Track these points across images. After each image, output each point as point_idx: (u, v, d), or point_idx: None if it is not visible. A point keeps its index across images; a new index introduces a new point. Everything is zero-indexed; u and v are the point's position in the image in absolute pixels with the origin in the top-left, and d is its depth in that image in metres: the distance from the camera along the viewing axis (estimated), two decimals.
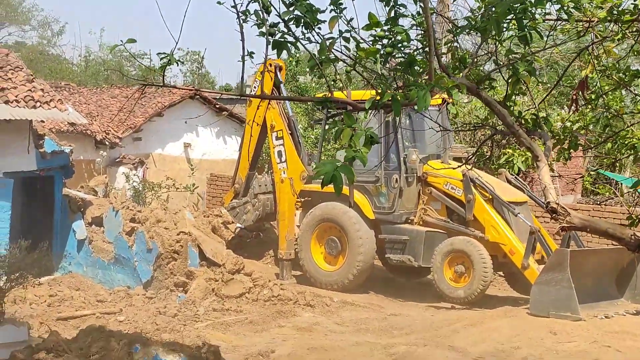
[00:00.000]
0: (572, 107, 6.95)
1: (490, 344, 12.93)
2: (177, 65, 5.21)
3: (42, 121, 17.60)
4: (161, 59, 5.03)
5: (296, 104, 27.69)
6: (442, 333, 13.69)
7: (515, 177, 17.70)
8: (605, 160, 11.58)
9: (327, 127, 18.42)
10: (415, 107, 5.19)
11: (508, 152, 8.39)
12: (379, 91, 5.37)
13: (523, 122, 6.34)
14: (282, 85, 18.75)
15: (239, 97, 5.39)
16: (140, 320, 13.63)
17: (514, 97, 6.29)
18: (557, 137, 7.27)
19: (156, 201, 22.79)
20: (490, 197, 16.51)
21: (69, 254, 16.98)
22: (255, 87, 19.02)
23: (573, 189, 25.40)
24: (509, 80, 6.13)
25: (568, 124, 8.31)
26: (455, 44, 6.35)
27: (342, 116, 5.15)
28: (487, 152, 11.17)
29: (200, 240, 16.35)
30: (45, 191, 17.17)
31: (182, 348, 6.53)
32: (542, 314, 14.33)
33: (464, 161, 16.30)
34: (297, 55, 30.28)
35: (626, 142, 8.04)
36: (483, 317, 14.79)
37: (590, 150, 9.16)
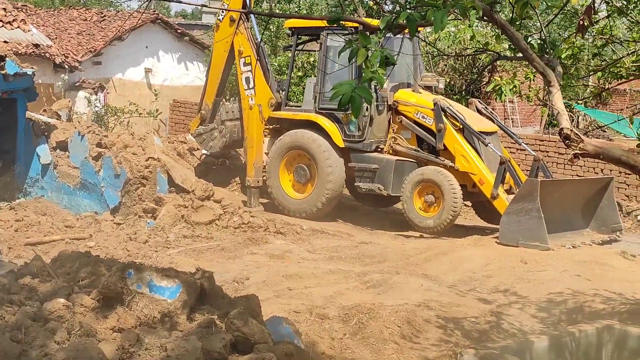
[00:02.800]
0: (579, 34, 6.83)
1: (462, 272, 13.01)
2: None
3: (5, 42, 17.08)
4: None
5: (260, 30, 27.27)
6: (414, 261, 13.74)
7: (485, 107, 17.68)
8: (593, 89, 11.53)
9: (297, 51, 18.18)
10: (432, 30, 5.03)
11: (496, 79, 8.25)
12: (389, 12, 5.21)
13: (529, 47, 6.21)
14: (249, 6, 18.34)
15: (243, 11, 5.17)
16: (111, 247, 13.46)
17: (519, 21, 6.16)
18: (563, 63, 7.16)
19: (119, 126, 22.42)
20: (461, 126, 16.45)
21: (33, 178, 16.63)
22: (223, 12, 18.64)
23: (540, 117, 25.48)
24: (516, 3, 5.98)
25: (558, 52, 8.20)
26: None
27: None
28: (484, 79, 11.05)
29: (170, 167, 16.13)
30: (8, 114, 16.74)
31: (176, 274, 6.41)
32: (511, 244, 14.47)
33: (436, 89, 16.27)
34: None
35: (616, 71, 7.97)
36: (453, 246, 14.87)
37: (578, 79, 9.05)
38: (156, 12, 27.02)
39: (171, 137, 20.74)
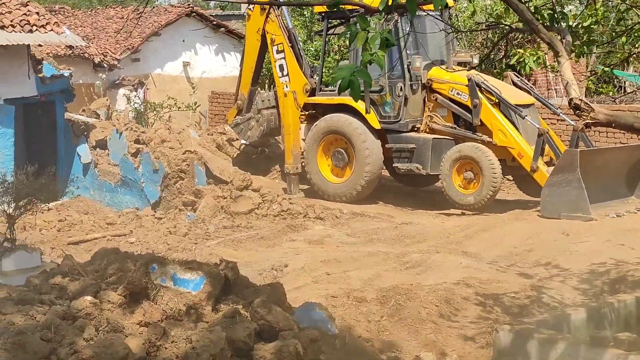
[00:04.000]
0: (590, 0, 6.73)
1: (503, 248, 12.93)
2: None
3: (40, 45, 17.32)
4: None
5: (294, 16, 27.28)
6: (454, 239, 13.69)
7: (521, 79, 17.46)
8: (619, 55, 11.33)
9: (329, 35, 18.14)
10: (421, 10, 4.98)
11: (519, 52, 8.16)
12: None
13: (539, 18, 6.13)
14: None
15: (239, 2, 5.17)
16: (152, 241, 13.61)
17: None
18: (574, 32, 7.05)
19: (159, 122, 22.60)
20: (497, 100, 16.29)
21: (75, 178, 16.89)
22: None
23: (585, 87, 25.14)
24: None
25: (582, 19, 8.07)
26: None
27: (352, 22, 4.95)
28: (501, 52, 10.92)
29: (207, 159, 16.24)
30: (48, 116, 17.01)
31: (199, 266, 6.46)
32: (553, 216, 14.32)
33: (470, 64, 16.09)
34: None
35: None
36: (494, 221, 14.78)
37: (602, 46, 8.93)
38: (191, 6, 27.11)
39: (210, 129, 20.82)
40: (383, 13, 5.05)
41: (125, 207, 16.22)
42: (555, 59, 5.43)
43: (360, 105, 16.94)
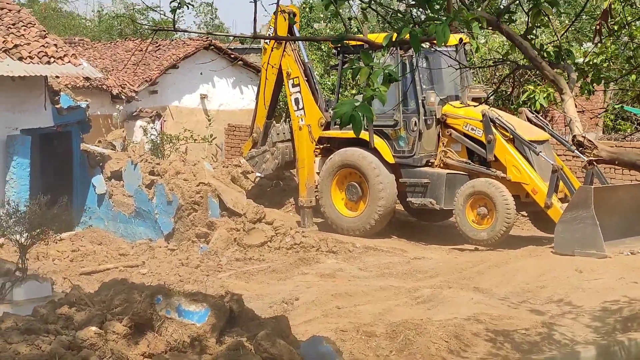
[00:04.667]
0: (596, 39, 6.75)
1: (516, 284, 12.85)
2: (187, 8, 5.05)
3: (57, 77, 17.52)
4: (171, 2, 4.88)
5: (312, 50, 27.46)
6: (467, 275, 13.62)
7: (536, 116, 17.47)
8: (629, 92, 11.35)
9: (343, 69, 18.22)
10: (433, 45, 5.02)
11: (529, 88, 8.19)
12: (397, 28, 5.21)
13: (545, 55, 6.15)
14: (296, 31, 18.46)
15: (252, 38, 5.24)
16: (163, 272, 13.65)
17: (535, 29, 6.10)
18: (580, 69, 7.07)
19: (175, 153, 22.73)
20: (511, 136, 16.30)
21: (89, 208, 17.00)
22: (270, 34, 18.79)
23: (597, 124, 25.10)
24: (530, 12, 5.94)
25: (590, 57, 8.09)
26: None
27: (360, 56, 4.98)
28: (508, 89, 10.97)
29: (220, 191, 16.31)
30: (64, 147, 17.15)
31: (204, 298, 6.47)
32: (567, 253, 14.22)
33: (483, 100, 16.12)
34: (311, 1, 29.96)
35: None
36: (507, 257, 14.70)
37: (614, 83, 8.95)
38: (209, 39, 27.35)
39: (226, 162, 20.92)
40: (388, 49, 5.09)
41: (138, 238, 16.29)
42: (560, 97, 5.45)
43: (375, 140, 16.99)
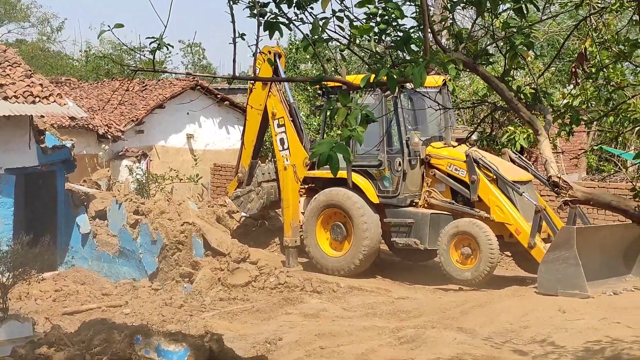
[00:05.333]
0: (572, 81, 6.85)
1: (499, 324, 12.86)
2: (167, 49, 5.11)
3: (42, 116, 17.56)
4: (150, 43, 4.94)
5: (298, 91, 27.62)
6: (450, 315, 13.63)
7: (519, 156, 17.60)
8: (608, 134, 11.47)
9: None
10: (413, 86, 5.09)
11: (510, 129, 8.28)
12: (374, 69, 5.28)
13: (522, 97, 6.24)
14: (281, 72, 18.59)
15: (232, 79, 5.30)
16: (147, 312, 13.59)
17: (512, 71, 6.19)
18: (557, 111, 7.17)
19: (160, 193, 22.72)
20: (495, 177, 16.41)
21: (73, 248, 16.95)
22: (257, 74, 18.91)
23: (576, 165, 25.28)
24: (507, 55, 6.03)
25: (569, 99, 8.20)
26: (451, 20, 6.25)
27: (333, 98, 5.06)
28: (487, 130, 11.08)
29: (205, 230, 16.30)
30: (48, 186, 17.13)
31: (184, 338, 6.47)
32: (550, 293, 14.26)
33: (465, 140, 16.24)
34: (297, 43, 30.15)
35: (628, 116, 7.94)
36: (491, 297, 14.73)
37: (593, 125, 9.09)
38: (196, 79, 27.46)
39: (211, 201, 20.93)
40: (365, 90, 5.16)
41: (122, 277, 16.24)
42: (535, 138, 5.52)
43: (359, 180, 17.08)
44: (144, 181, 24.22)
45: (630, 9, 6.91)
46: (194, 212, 17.06)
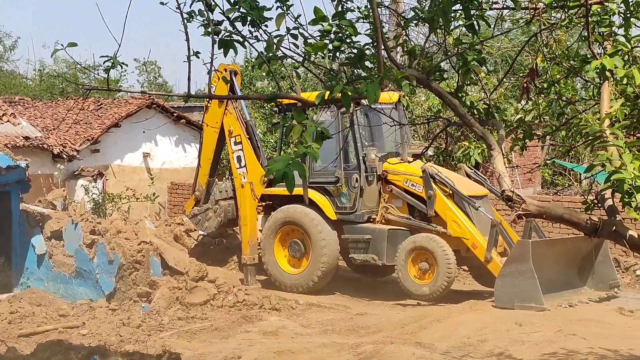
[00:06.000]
0: (524, 96, 6.96)
1: (457, 338, 12.94)
2: (122, 67, 5.10)
3: None
4: (104, 62, 4.94)
5: (254, 108, 27.64)
6: (409, 330, 13.69)
7: (475, 171, 17.77)
8: (561, 148, 11.66)
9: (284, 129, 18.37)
10: (366, 102, 5.15)
11: (464, 145, 8.37)
12: (329, 86, 5.33)
13: (476, 112, 6.33)
14: (237, 90, 18.60)
15: (187, 97, 5.31)
16: (104, 333, 13.43)
17: (465, 87, 6.28)
18: (511, 126, 7.28)
19: (117, 212, 22.57)
20: (451, 192, 16.54)
21: (28, 269, 16.73)
22: (212, 92, 18.89)
23: (530, 179, 25.58)
24: (460, 71, 6.12)
25: (522, 114, 8.31)
26: (405, 37, 6.33)
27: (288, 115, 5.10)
28: (442, 145, 11.19)
29: (162, 249, 16.21)
30: (2, 207, 16.90)
31: (142, 358, 6.44)
32: (507, 306, 14.38)
33: (421, 156, 16.39)
34: (253, 60, 30.20)
35: (580, 130, 8.06)
36: (449, 312, 14.82)
37: (546, 139, 9.23)
38: (151, 97, 27.35)
39: (168, 220, 20.83)
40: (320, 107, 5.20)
41: (79, 298, 16.03)
42: (488, 153, 5.60)
43: (316, 196, 17.12)
44: (100, 201, 24.04)
45: (579, 25, 7.03)
46: (151, 231, 16.94)
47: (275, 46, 5.48)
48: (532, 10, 6.30)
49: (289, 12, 5.64)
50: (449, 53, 6.06)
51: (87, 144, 25.57)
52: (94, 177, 25.08)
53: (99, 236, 16.33)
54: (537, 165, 15.42)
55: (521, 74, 10.12)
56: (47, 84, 41.19)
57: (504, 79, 8.41)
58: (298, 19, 5.67)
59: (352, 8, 5.72)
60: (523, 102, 8.40)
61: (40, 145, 23.58)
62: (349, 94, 5.09)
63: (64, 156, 24.28)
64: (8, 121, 15.83)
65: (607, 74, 6.11)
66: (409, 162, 16.81)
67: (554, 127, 8.44)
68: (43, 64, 45.09)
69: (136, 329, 13.78)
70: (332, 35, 5.53)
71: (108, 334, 13.46)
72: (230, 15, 5.30)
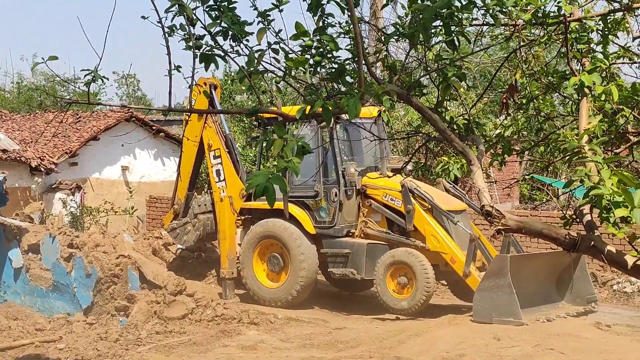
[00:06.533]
0: (504, 112, 7.00)
1: (435, 352, 12.96)
2: (102, 81, 5.10)
3: None
4: (85, 75, 4.93)
5: (234, 122, 27.65)
6: (388, 344, 13.69)
7: (454, 186, 17.84)
8: (539, 164, 11.73)
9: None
10: (347, 117, 5.16)
11: (444, 160, 8.41)
12: (309, 101, 5.34)
13: (455, 127, 6.36)
14: (217, 104, 18.60)
15: (167, 111, 5.31)
16: (81, 347, 13.36)
17: (445, 102, 6.31)
18: (490, 142, 7.32)
19: (95, 226, 22.46)
20: (430, 206, 16.59)
21: (4, 283, 16.61)
22: (192, 106, 18.87)
23: (509, 194, 25.71)
24: (440, 86, 6.16)
25: (501, 129, 8.36)
26: (385, 52, 6.36)
27: (269, 129, 5.10)
28: (421, 160, 11.24)
29: (140, 263, 16.13)
30: None
31: None
32: (485, 321, 14.42)
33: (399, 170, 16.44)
34: (233, 74, 30.27)
35: (558, 145, 8.11)
36: (427, 326, 14.84)
37: (524, 154, 9.30)
38: (130, 111, 27.31)
39: (147, 234, 20.75)
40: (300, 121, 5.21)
41: (56, 312, 15.94)
42: (468, 168, 5.63)
43: (295, 210, 17.12)
44: (78, 214, 23.93)
45: (558, 42, 7.09)
46: (129, 244, 16.87)
47: (256, 61, 5.49)
48: (511, 27, 6.36)
49: (270, 26, 5.66)
50: (429, 68, 6.10)
51: (66, 157, 25.49)
52: (72, 191, 24.98)
53: (77, 250, 16.24)
54: (515, 180, 15.50)
55: (500, 90, 10.20)
56: (25, 96, 41.01)
57: (484, 94, 8.47)
58: (279, 34, 5.70)
59: (333, 23, 5.75)
60: (502, 117, 8.46)
61: (18, 158, 23.48)
62: (330, 108, 5.10)
63: (42, 169, 24.20)
64: None
65: (586, 90, 6.16)
66: (389, 176, 16.84)
67: (532, 143, 8.48)
68: (21, 77, 44.87)
69: (114, 344, 13.71)
70: (314, 50, 5.55)
71: (85, 348, 13.39)
72: (211, 30, 5.31)
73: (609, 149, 7.30)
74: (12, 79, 60.62)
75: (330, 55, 5.67)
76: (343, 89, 5.50)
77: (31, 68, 36.77)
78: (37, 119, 29.00)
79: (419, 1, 5.42)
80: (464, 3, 5.58)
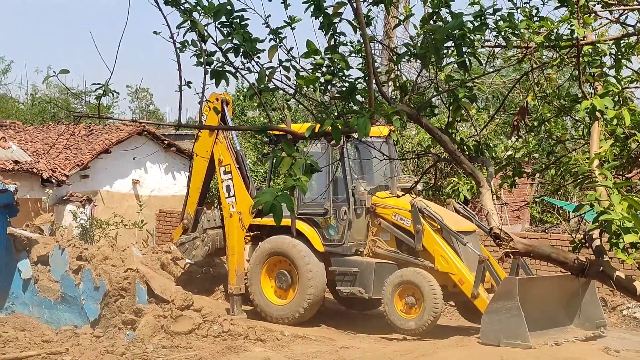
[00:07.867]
0: (514, 134, 6.99)
1: None
2: (113, 95, 5.10)
3: None
4: (95, 89, 4.95)
5: (245, 138, 27.70)
6: None
7: (463, 207, 17.79)
8: (549, 187, 11.69)
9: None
10: (357, 136, 5.15)
11: (453, 180, 8.40)
12: (319, 119, 5.34)
13: (465, 149, 6.35)
14: (229, 120, 18.64)
15: (177, 126, 5.32)
16: None
17: (456, 124, 6.30)
18: (500, 164, 7.30)
19: (104, 239, 22.49)
20: (439, 227, 16.54)
21: (13, 294, 16.61)
22: (203, 122, 18.92)
23: (519, 217, 25.62)
24: (450, 107, 6.15)
25: (512, 151, 8.34)
26: (397, 72, 6.36)
27: (278, 147, 5.09)
28: (431, 180, 11.22)
29: (149, 277, 16.13)
30: None
31: None
32: (492, 343, 14.32)
33: (409, 190, 16.40)
34: (245, 90, 30.34)
35: (569, 168, 8.08)
36: (434, 347, 14.75)
37: (535, 177, 9.28)
38: (142, 125, 27.39)
39: (156, 248, 20.77)
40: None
41: (63, 324, 15.92)
42: (477, 190, 5.61)
43: (304, 228, 17.11)
44: (88, 226, 23.97)
45: (570, 65, 7.08)
46: (138, 258, 16.88)
47: (267, 78, 5.49)
48: (523, 49, 6.35)
49: (281, 44, 5.67)
50: (440, 89, 6.09)
51: (77, 169, 25.56)
52: (83, 203, 25.04)
53: (86, 262, 16.26)
54: (525, 202, 15.46)
55: (512, 111, 10.17)
56: (38, 108, 41.21)
57: (495, 116, 8.45)
58: (290, 52, 5.70)
59: (345, 42, 5.75)
60: (513, 139, 8.44)
61: (30, 170, 23.56)
62: (339, 127, 5.10)
63: (53, 181, 24.26)
64: None
65: (597, 114, 6.15)
66: (398, 196, 16.81)
67: (543, 165, 8.46)
68: (35, 88, 45.14)
69: (120, 357, 13.68)
70: (324, 69, 5.55)
71: None
72: (223, 46, 5.32)
73: (621, 173, 7.27)
74: (27, 90, 61.00)
75: (341, 74, 5.67)
76: (353, 107, 5.49)
77: (43, 81, 36.84)
78: (50, 130, 29.12)
79: (431, 22, 5.42)
80: (476, 24, 5.58)
